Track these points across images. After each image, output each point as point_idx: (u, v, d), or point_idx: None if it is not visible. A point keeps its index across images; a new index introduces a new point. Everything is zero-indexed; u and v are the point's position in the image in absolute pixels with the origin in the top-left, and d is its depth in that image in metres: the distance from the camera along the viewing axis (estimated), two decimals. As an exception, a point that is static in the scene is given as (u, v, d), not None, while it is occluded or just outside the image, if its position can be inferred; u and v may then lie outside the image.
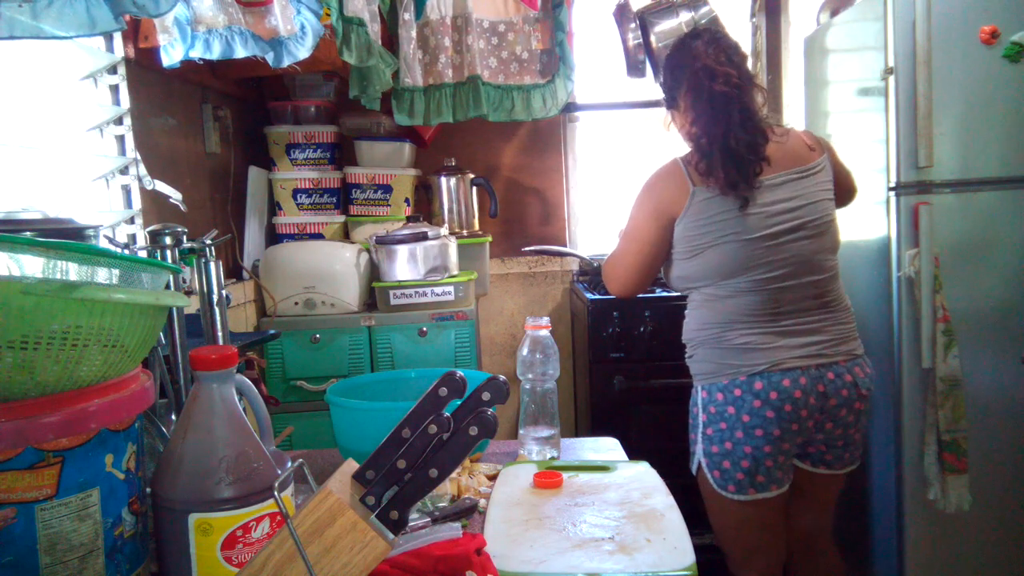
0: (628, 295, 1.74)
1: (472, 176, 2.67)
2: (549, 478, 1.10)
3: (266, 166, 2.50)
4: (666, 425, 2.24)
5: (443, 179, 2.63)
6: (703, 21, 2.21)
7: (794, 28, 2.90)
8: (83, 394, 0.70)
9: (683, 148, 1.69)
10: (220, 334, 1.19)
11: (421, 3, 2.26)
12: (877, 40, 1.94)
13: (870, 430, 2.00)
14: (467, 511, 1.04)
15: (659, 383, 2.32)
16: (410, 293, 2.26)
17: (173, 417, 1.07)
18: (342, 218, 2.52)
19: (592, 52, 2.89)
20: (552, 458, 1.27)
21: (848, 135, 2.18)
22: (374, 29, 1.97)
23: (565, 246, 2.92)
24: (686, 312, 1.69)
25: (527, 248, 2.81)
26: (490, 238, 2.66)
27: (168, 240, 1.10)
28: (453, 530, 0.92)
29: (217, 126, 2.23)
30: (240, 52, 1.64)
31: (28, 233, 0.88)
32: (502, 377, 0.71)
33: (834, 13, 2.31)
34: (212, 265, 1.17)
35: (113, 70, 1.67)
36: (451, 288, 2.27)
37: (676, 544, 0.89)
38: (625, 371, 2.36)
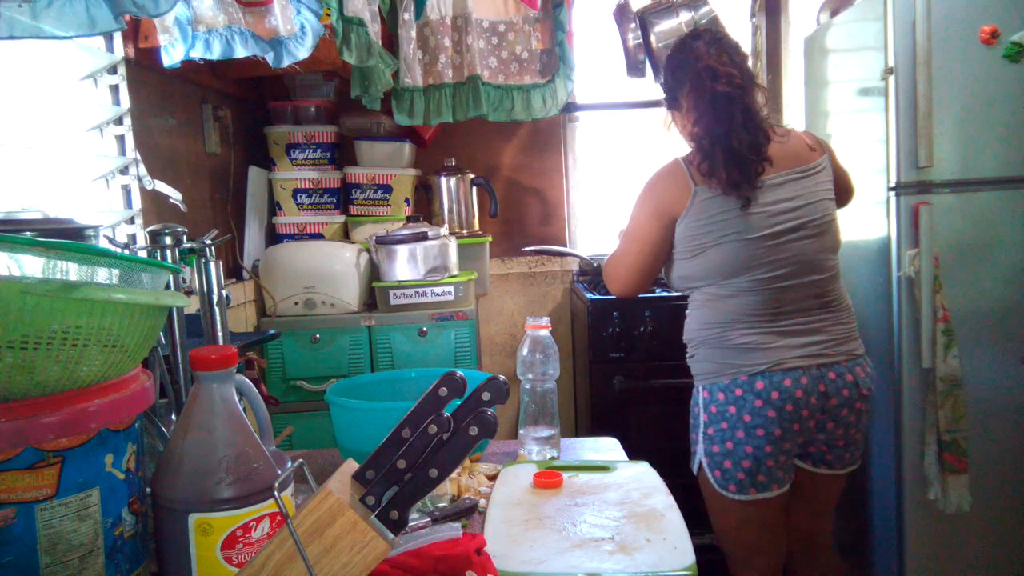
0: (629, 295, 1.74)
1: (472, 176, 2.67)
2: (549, 478, 1.10)
3: (266, 166, 2.50)
4: (666, 425, 2.24)
5: (443, 179, 2.63)
6: (703, 21, 2.22)
7: (794, 28, 2.90)
8: (83, 394, 0.70)
9: (683, 148, 1.69)
10: (220, 334, 1.19)
11: (421, 3, 2.26)
12: (877, 40, 1.94)
13: (870, 430, 2.00)
14: (467, 511, 1.04)
15: (659, 383, 2.32)
16: (410, 293, 2.26)
17: (173, 417, 1.07)
18: (342, 218, 2.52)
19: (592, 52, 2.89)
20: (552, 458, 1.27)
21: (848, 135, 2.18)
22: (374, 29, 1.97)
23: (565, 246, 2.92)
24: (687, 312, 1.69)
25: (527, 248, 2.81)
26: (490, 238, 2.66)
27: (168, 240, 1.10)
28: (453, 530, 0.92)
29: (217, 126, 2.23)
30: (240, 52, 1.64)
31: (28, 233, 0.88)
32: (502, 377, 0.71)
33: (834, 13, 2.31)
34: (212, 265, 1.17)
35: (113, 70, 1.67)
36: (451, 288, 2.27)
37: (676, 544, 0.89)
38: (625, 371, 2.36)
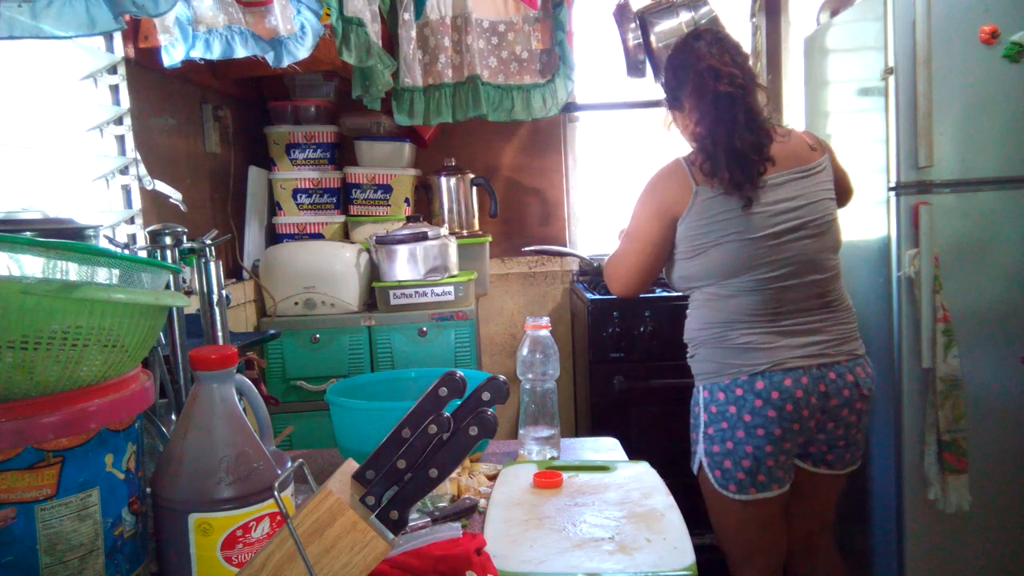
0: (630, 295, 1.74)
1: (472, 176, 2.67)
2: (549, 478, 1.10)
3: (266, 166, 2.50)
4: (666, 425, 2.24)
5: (443, 179, 2.63)
6: (703, 21, 2.22)
7: (794, 28, 2.90)
8: (83, 394, 0.70)
9: (683, 148, 1.69)
10: (220, 334, 1.19)
11: (421, 3, 2.26)
12: (877, 40, 1.94)
13: (870, 430, 2.00)
14: (467, 511, 1.04)
15: (659, 383, 2.32)
16: (410, 293, 2.26)
17: (173, 417, 1.07)
18: (342, 218, 2.52)
19: (592, 52, 2.89)
20: (552, 458, 1.27)
21: (848, 135, 2.18)
22: (374, 29, 1.97)
23: (565, 246, 2.92)
24: (688, 312, 1.69)
25: (527, 248, 2.81)
26: (490, 238, 2.66)
27: (168, 240, 1.10)
28: (453, 530, 0.92)
29: (217, 126, 2.23)
30: (240, 52, 1.64)
31: (28, 233, 0.88)
32: (502, 377, 0.71)
33: (834, 13, 2.31)
34: (212, 265, 1.17)
35: (113, 70, 1.67)
36: (451, 288, 2.27)
37: (676, 544, 0.89)
38: (625, 371, 2.36)
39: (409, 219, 2.41)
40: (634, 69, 2.36)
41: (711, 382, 1.60)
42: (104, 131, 1.67)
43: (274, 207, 2.51)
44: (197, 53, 1.64)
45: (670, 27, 2.25)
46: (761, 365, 1.54)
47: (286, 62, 1.69)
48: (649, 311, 2.35)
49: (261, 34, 1.67)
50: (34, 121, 1.46)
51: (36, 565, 0.66)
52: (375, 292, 2.31)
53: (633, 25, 2.31)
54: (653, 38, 2.26)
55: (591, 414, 2.41)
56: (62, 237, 0.90)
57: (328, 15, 1.76)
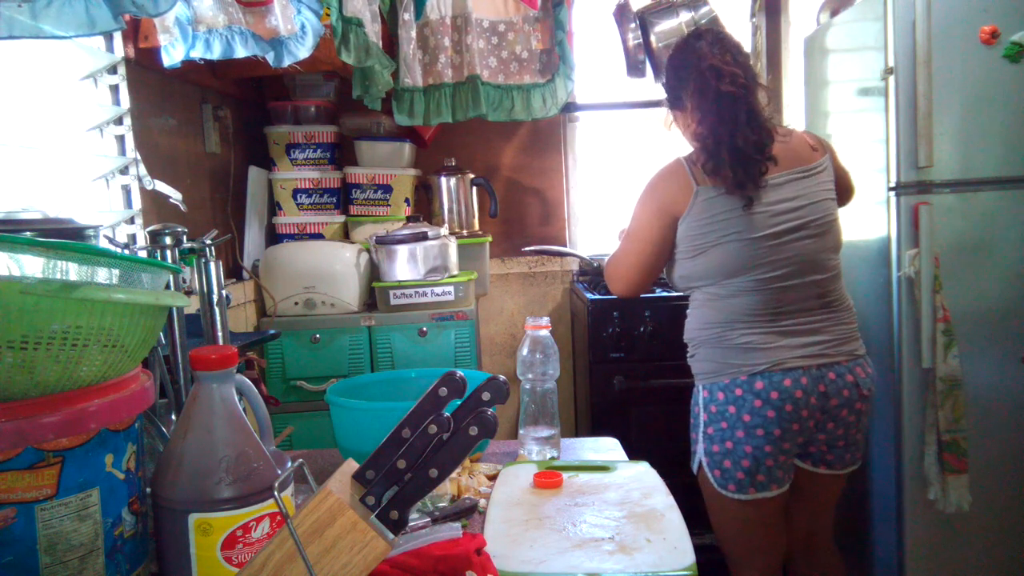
0: (631, 295, 1.74)
1: (472, 176, 2.67)
2: (549, 478, 1.10)
3: (266, 166, 2.50)
4: (666, 425, 2.24)
5: (443, 179, 2.63)
6: (703, 21, 2.22)
7: (794, 28, 2.90)
8: (83, 394, 0.70)
9: (684, 148, 1.69)
10: (220, 334, 1.19)
11: (421, 3, 2.26)
12: (877, 40, 1.94)
13: (870, 430, 2.00)
14: (467, 511, 1.04)
15: (659, 383, 2.32)
16: (410, 293, 2.26)
17: (173, 417, 1.07)
18: (342, 218, 2.52)
19: (592, 52, 2.89)
20: (552, 458, 1.27)
21: (848, 135, 2.18)
22: (375, 29, 1.97)
23: (565, 246, 2.92)
24: (688, 311, 1.69)
25: (527, 248, 2.81)
26: (490, 238, 2.66)
27: (168, 240, 1.10)
28: (453, 530, 0.92)
29: (217, 126, 2.23)
30: (240, 52, 1.64)
31: (28, 233, 0.88)
32: (502, 377, 0.71)
33: (834, 13, 2.31)
34: (212, 265, 1.17)
35: (113, 70, 1.67)
36: (451, 288, 2.27)
37: (676, 544, 0.89)
38: (625, 371, 2.36)
39: (409, 219, 2.41)
40: (634, 69, 2.36)
41: (711, 382, 1.60)
42: (104, 131, 1.67)
43: (274, 207, 2.51)
44: (197, 53, 1.64)
45: (670, 27, 2.25)
46: (761, 365, 1.54)
47: (286, 62, 1.69)
48: (649, 311, 2.35)
49: (261, 34, 1.67)
50: (34, 121, 1.46)
51: (36, 565, 0.66)
52: (375, 292, 2.31)
53: (633, 25, 2.31)
54: (653, 38, 2.26)
55: (591, 414, 2.41)
56: (62, 237, 0.90)
57: (328, 15, 1.76)
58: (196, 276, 1.18)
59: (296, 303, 2.29)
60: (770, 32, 2.92)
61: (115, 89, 1.68)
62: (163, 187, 1.71)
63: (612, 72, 2.67)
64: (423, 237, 2.27)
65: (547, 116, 2.40)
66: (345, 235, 2.55)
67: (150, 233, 1.11)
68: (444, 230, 2.39)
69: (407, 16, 2.24)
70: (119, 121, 1.69)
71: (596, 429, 2.34)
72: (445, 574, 0.80)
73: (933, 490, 1.88)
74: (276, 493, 0.65)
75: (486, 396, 0.70)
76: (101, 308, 0.68)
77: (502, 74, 2.37)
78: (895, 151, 1.91)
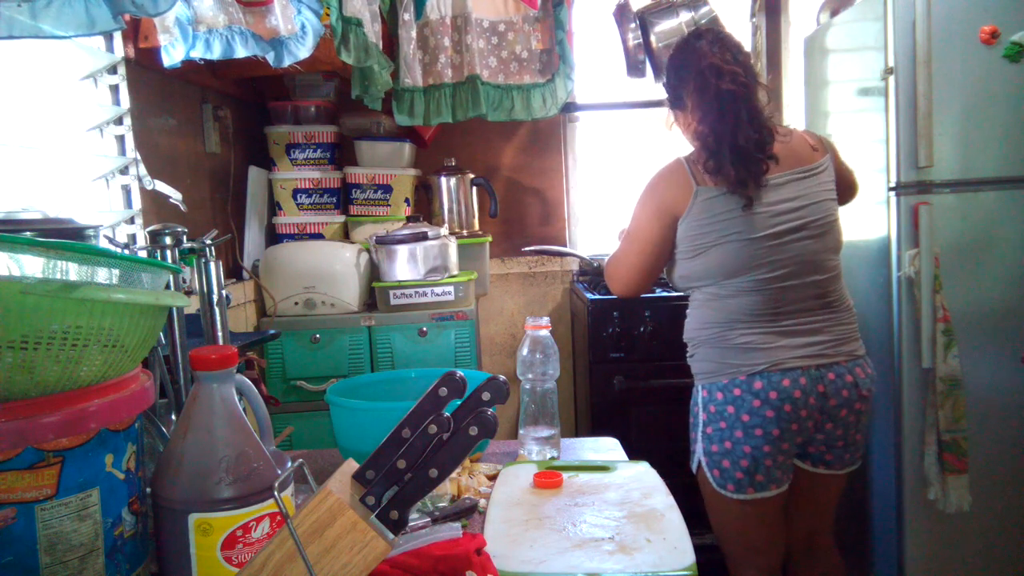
0: (631, 295, 1.74)
1: (472, 176, 2.67)
2: (549, 478, 1.10)
3: (266, 166, 2.50)
4: (666, 425, 2.24)
5: (443, 179, 2.63)
6: (703, 21, 2.22)
7: (794, 28, 2.90)
8: (83, 394, 0.70)
9: (684, 148, 1.69)
10: (220, 334, 1.19)
11: (421, 3, 2.26)
12: (877, 40, 1.94)
13: (870, 430, 2.00)
14: (467, 511, 1.04)
15: (659, 383, 2.32)
16: (410, 293, 2.26)
17: (173, 417, 1.07)
18: (342, 218, 2.52)
19: (592, 52, 2.89)
20: (552, 458, 1.27)
21: (848, 135, 2.18)
22: (374, 29, 1.97)
23: (565, 246, 2.92)
24: (688, 311, 1.69)
25: (527, 248, 2.81)
26: (490, 238, 2.66)
27: (168, 240, 1.10)
28: (453, 530, 0.92)
29: (217, 126, 2.23)
30: (241, 52, 1.64)
31: (28, 233, 0.88)
32: (502, 377, 0.71)
33: (834, 13, 2.31)
34: (212, 265, 1.17)
35: (113, 70, 1.67)
36: (451, 288, 2.27)
37: (676, 544, 0.89)
38: (625, 371, 2.36)
39: (409, 219, 2.41)
40: (634, 69, 2.36)
41: (710, 382, 1.60)
42: (104, 131, 1.67)
43: (274, 207, 2.51)
44: (197, 53, 1.64)
45: (670, 27, 2.25)
46: (760, 365, 1.54)
47: (286, 62, 1.69)
48: (649, 311, 2.35)
49: (261, 34, 1.67)
50: (34, 121, 1.46)
51: (36, 565, 0.66)
52: (375, 292, 2.31)
53: (633, 25, 2.31)
54: (653, 38, 2.26)
55: (591, 414, 2.41)
56: (62, 237, 0.90)
57: (328, 15, 1.76)
58: (196, 276, 1.18)
59: (296, 303, 2.29)
60: (770, 32, 2.92)
61: (115, 89, 1.68)
62: (163, 187, 1.71)
63: (612, 72, 2.67)
64: (423, 237, 2.27)
65: (547, 116, 2.40)
66: (345, 235, 2.55)
67: (150, 233, 1.11)
68: (444, 230, 2.39)
69: (407, 16, 2.24)
70: (119, 121, 1.69)
71: (596, 429, 2.34)
72: (445, 574, 0.80)
73: (933, 490, 1.88)
74: (276, 493, 0.65)
75: (486, 396, 0.70)
76: (101, 308, 0.68)
77: (502, 74, 2.37)
78: (895, 151, 1.91)
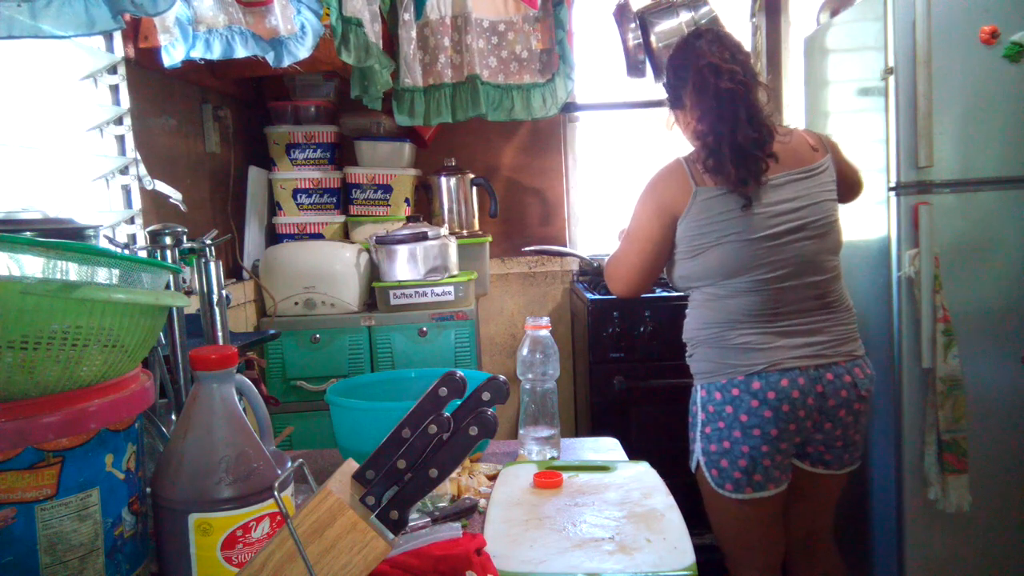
0: (631, 295, 1.74)
1: (472, 176, 2.67)
2: (549, 478, 1.10)
3: (266, 166, 2.50)
4: (666, 425, 2.24)
5: (443, 179, 2.63)
6: (703, 21, 2.22)
7: (794, 28, 2.90)
8: (83, 394, 0.70)
9: (684, 148, 1.69)
10: (220, 334, 1.19)
11: (421, 3, 2.26)
12: (877, 40, 1.94)
13: (870, 430, 2.00)
14: (467, 511, 1.04)
15: (659, 383, 2.32)
16: (410, 293, 2.26)
17: (173, 417, 1.07)
18: (342, 218, 2.52)
19: (592, 52, 2.89)
20: (552, 458, 1.27)
21: (848, 135, 2.18)
22: (375, 29, 1.97)
23: (565, 246, 2.92)
24: (687, 311, 1.69)
25: (527, 248, 2.81)
26: (490, 238, 2.66)
27: (168, 240, 1.10)
28: (453, 530, 0.92)
29: (217, 126, 2.23)
30: (240, 52, 1.64)
31: (28, 233, 0.88)
32: (502, 377, 0.71)
33: (834, 13, 2.31)
34: (212, 265, 1.17)
35: (113, 70, 1.67)
36: (451, 288, 2.27)
37: (676, 544, 0.89)
38: (625, 371, 2.36)
39: (409, 219, 2.41)
40: (634, 69, 2.36)
41: (708, 381, 1.60)
42: (104, 131, 1.67)
43: (274, 207, 2.51)
44: (197, 53, 1.64)
45: (670, 27, 2.25)
46: (758, 365, 1.54)
47: (286, 62, 1.69)
48: (649, 311, 2.35)
49: (261, 34, 1.67)
50: (34, 121, 1.46)
51: (36, 565, 0.66)
52: (375, 292, 2.31)
53: (633, 25, 2.31)
54: (653, 38, 2.26)
55: (591, 414, 2.41)
56: (62, 237, 0.90)
57: (328, 15, 1.76)
58: (196, 276, 1.18)
59: (296, 303, 2.29)
60: (770, 32, 2.92)
61: (115, 89, 1.68)
62: (163, 187, 1.71)
63: (612, 72, 2.67)
64: (423, 237, 2.27)
65: (547, 116, 2.40)
66: (345, 235, 2.55)
67: (150, 233, 1.11)
68: (444, 230, 2.39)
69: (407, 16, 2.24)
70: (119, 121, 1.69)
71: (596, 429, 2.34)
72: (445, 574, 0.80)
73: (933, 490, 1.88)
74: (276, 493, 0.65)
75: (486, 396, 0.70)
76: (101, 308, 0.68)
77: (502, 74, 2.37)
78: (895, 151, 1.91)
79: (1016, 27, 1.86)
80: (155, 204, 1.77)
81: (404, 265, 2.27)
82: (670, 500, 1.02)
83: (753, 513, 1.60)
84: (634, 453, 1.28)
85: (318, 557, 0.64)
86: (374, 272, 2.37)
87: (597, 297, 2.40)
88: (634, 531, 0.93)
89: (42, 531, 0.66)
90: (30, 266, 0.66)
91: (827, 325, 1.59)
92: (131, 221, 1.71)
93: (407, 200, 2.56)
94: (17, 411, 0.65)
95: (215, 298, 1.18)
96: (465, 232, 2.64)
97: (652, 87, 2.45)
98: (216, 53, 1.64)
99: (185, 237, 1.12)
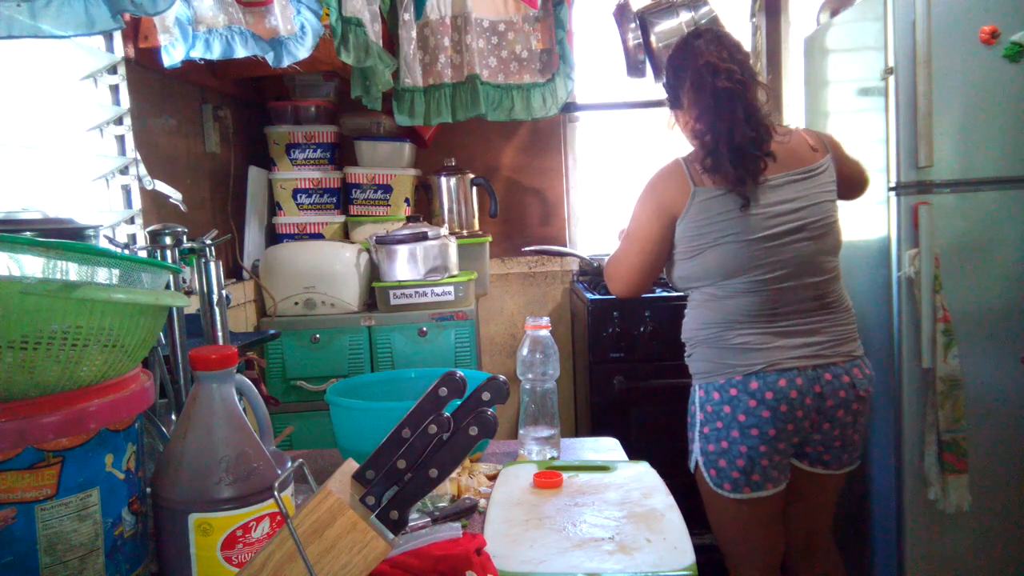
0: (631, 295, 1.74)
1: (472, 176, 2.67)
2: (549, 478, 1.10)
3: (266, 166, 2.50)
4: (666, 425, 2.24)
5: (443, 179, 2.63)
6: (703, 21, 2.22)
7: (794, 28, 2.90)
8: (83, 394, 0.70)
9: (684, 147, 1.69)
10: (220, 334, 1.19)
11: (421, 3, 2.26)
12: (877, 40, 1.94)
13: (870, 430, 2.00)
14: (467, 511, 1.04)
15: (659, 383, 2.32)
16: (410, 293, 2.26)
17: (173, 417, 1.07)
18: (342, 218, 2.52)
19: (592, 52, 2.89)
20: (552, 458, 1.27)
21: (848, 135, 2.17)
22: (375, 29, 1.97)
23: (565, 246, 2.92)
24: (686, 311, 1.69)
25: (527, 248, 2.81)
26: (490, 238, 2.66)
27: (168, 240, 1.10)
28: (453, 530, 0.92)
29: (217, 126, 2.23)
30: (240, 52, 1.64)
31: (28, 233, 0.88)
32: (502, 377, 0.71)
33: (834, 13, 2.31)
34: (212, 265, 1.17)
35: (113, 70, 1.67)
36: (451, 288, 2.27)
37: (676, 544, 0.89)
38: (625, 371, 2.36)
39: (409, 219, 2.41)
40: (634, 69, 2.36)
41: (707, 381, 1.60)
42: (104, 131, 1.67)
43: (274, 207, 2.51)
44: (197, 53, 1.64)
45: (670, 27, 2.25)
46: (756, 365, 1.54)
47: (286, 62, 1.69)
48: (649, 311, 2.35)
49: (261, 34, 1.67)
50: (34, 121, 1.46)
51: (36, 565, 0.66)
52: (375, 292, 2.31)
53: (633, 25, 2.31)
54: (653, 38, 2.26)
55: (591, 414, 2.41)
56: (62, 237, 0.90)
57: (328, 15, 1.76)
58: (196, 276, 1.18)
59: (296, 303, 2.29)
60: (770, 32, 2.92)
61: (115, 89, 1.68)
62: (163, 187, 1.71)
63: (612, 72, 2.67)
64: (423, 237, 2.27)
65: (547, 116, 2.40)
66: (345, 235, 2.55)
67: (150, 233, 1.11)
68: (444, 230, 2.39)
69: (407, 16, 2.24)
70: (119, 121, 1.69)
71: (596, 429, 2.34)
72: (445, 574, 0.80)
73: (933, 490, 1.88)
74: (276, 493, 0.65)
75: (486, 396, 0.70)
76: (101, 308, 0.68)
77: (502, 74, 2.37)
78: (895, 151, 1.91)
79: (1016, 27, 1.86)
80: (155, 204, 1.77)
81: (404, 265, 2.27)
82: (670, 500, 1.02)
83: (751, 513, 1.60)
84: (634, 453, 1.28)
85: (318, 557, 0.64)
86: (374, 272, 2.37)
87: (597, 297, 2.40)
88: (634, 531, 0.93)
89: (42, 531, 0.66)
90: (30, 266, 0.66)
91: (826, 326, 1.59)
92: (131, 221, 1.71)
93: (407, 200, 2.56)
94: (17, 411, 0.65)
95: (215, 298, 1.18)
96: (465, 232, 2.64)
97: (652, 87, 2.45)
98: (216, 53, 1.64)
99: (185, 237, 1.12)
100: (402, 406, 1.03)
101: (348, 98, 2.15)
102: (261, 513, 0.78)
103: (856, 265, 2.08)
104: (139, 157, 1.69)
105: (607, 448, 1.35)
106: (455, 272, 2.35)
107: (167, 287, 0.88)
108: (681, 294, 1.73)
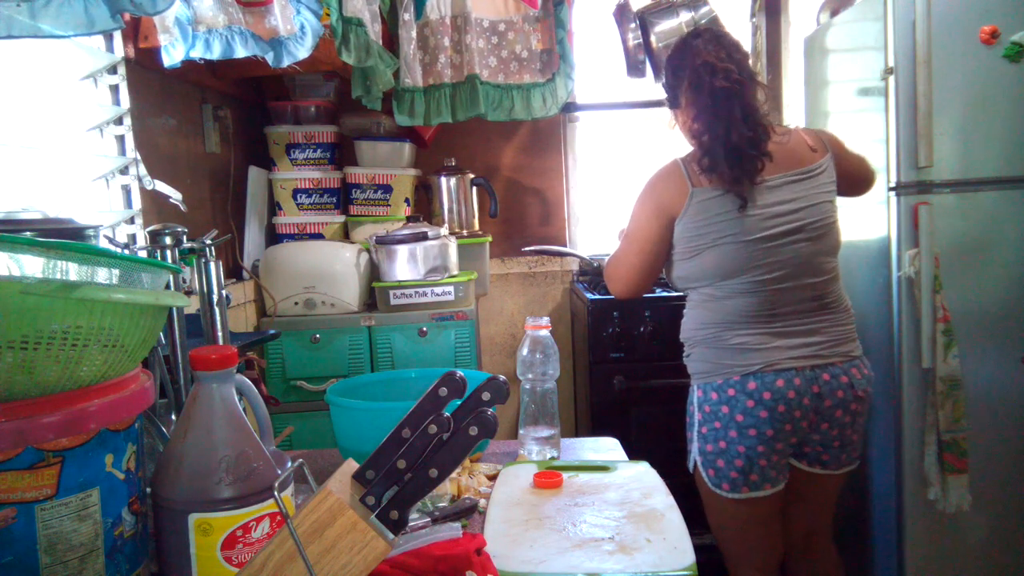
0: (631, 295, 1.74)
1: (472, 176, 2.67)
2: (549, 478, 1.10)
3: (266, 166, 2.50)
4: (666, 425, 2.24)
5: (443, 179, 2.63)
6: (703, 21, 2.22)
7: (794, 28, 2.90)
8: (83, 394, 0.69)
9: (684, 147, 1.69)
10: (220, 334, 1.19)
11: (421, 3, 2.26)
12: (877, 40, 1.94)
13: (870, 430, 2.00)
14: (467, 511, 1.04)
15: (659, 383, 2.32)
16: (410, 293, 2.26)
17: (173, 417, 1.07)
18: (342, 218, 2.52)
19: (592, 52, 2.89)
20: (552, 458, 1.27)
21: (848, 135, 2.16)
22: (375, 29, 1.97)
23: (565, 246, 2.92)
24: (685, 311, 1.69)
25: (527, 248, 2.81)
26: (490, 238, 2.66)
27: (168, 240, 1.10)
28: (453, 530, 0.92)
29: (217, 126, 2.23)
30: (240, 52, 1.65)
31: (28, 233, 0.88)
32: (502, 377, 0.71)
33: (834, 13, 2.31)
34: (212, 265, 1.17)
35: (113, 70, 1.67)
36: (451, 288, 2.27)
37: (676, 544, 0.89)
38: (625, 371, 2.36)
39: (409, 219, 2.41)
40: (634, 69, 2.36)
41: (705, 381, 1.60)
42: (104, 131, 1.67)
43: (274, 207, 2.51)
44: (197, 53, 1.64)
45: (670, 27, 2.25)
46: (754, 365, 1.54)
47: (286, 62, 1.69)
48: (649, 311, 2.35)
49: (261, 34, 1.67)
50: (34, 121, 1.46)
51: (36, 565, 0.66)
52: (375, 292, 2.31)
53: (633, 25, 2.31)
54: (653, 38, 2.26)
55: (591, 414, 2.41)
56: (62, 237, 0.90)
57: (328, 15, 1.76)
58: (196, 276, 1.18)
59: (296, 303, 2.29)
60: (770, 32, 2.92)
61: (115, 89, 1.68)
62: (163, 187, 1.72)
63: (612, 72, 2.67)
64: (423, 237, 2.27)
65: (547, 116, 2.40)
66: (345, 235, 2.55)
67: (150, 233, 1.11)
68: (444, 230, 2.39)
69: (407, 16, 2.24)
70: (119, 121, 1.69)
71: (596, 429, 2.34)
72: (445, 574, 0.80)
73: (933, 490, 1.88)
74: (276, 493, 0.65)
75: (486, 396, 0.70)
76: (101, 308, 0.68)
77: (502, 74, 2.37)
78: (895, 151, 1.91)
79: (1016, 27, 1.86)
80: (155, 204, 1.77)
81: (404, 265, 2.27)
82: (670, 500, 1.02)
83: (750, 513, 1.60)
84: (634, 453, 1.28)
85: (318, 557, 0.64)
86: (374, 272, 2.37)
87: (597, 297, 2.40)
88: (634, 531, 0.93)
89: (42, 531, 0.66)
90: (30, 266, 0.66)
91: (824, 326, 1.59)
92: (131, 221, 1.71)
93: (407, 200, 2.56)
94: (17, 411, 0.65)
95: (215, 298, 1.18)
96: (465, 232, 2.64)
97: (652, 87, 2.45)
98: (216, 53, 1.64)
99: (185, 237, 1.12)
100: (402, 406, 1.03)
101: (348, 98, 2.15)
102: (261, 513, 0.78)
103: (856, 265, 2.08)
104: (139, 157, 1.70)
105: (607, 448, 1.35)
106: (455, 272, 2.35)
107: (167, 287, 0.89)
108: (680, 294, 1.73)
